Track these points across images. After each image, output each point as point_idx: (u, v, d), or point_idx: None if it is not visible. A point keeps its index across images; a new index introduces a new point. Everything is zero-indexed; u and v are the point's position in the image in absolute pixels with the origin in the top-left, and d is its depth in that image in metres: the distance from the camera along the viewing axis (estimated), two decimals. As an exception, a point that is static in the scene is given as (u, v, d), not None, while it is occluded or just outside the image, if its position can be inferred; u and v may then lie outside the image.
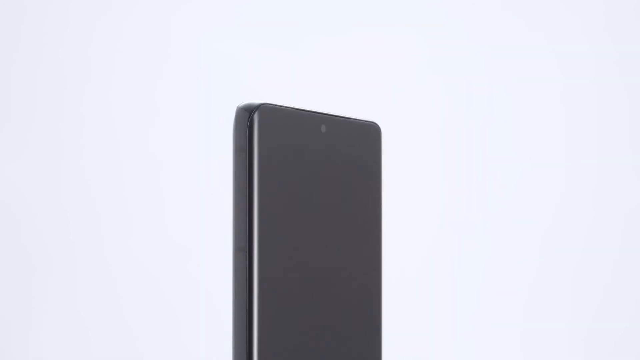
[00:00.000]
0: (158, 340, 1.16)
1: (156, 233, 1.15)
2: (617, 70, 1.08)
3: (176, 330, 1.15)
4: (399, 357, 1.00)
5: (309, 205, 0.52)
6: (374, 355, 0.53)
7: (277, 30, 1.14)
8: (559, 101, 1.09)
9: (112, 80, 1.17)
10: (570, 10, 1.09)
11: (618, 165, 1.08)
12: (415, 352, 1.09)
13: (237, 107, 0.51)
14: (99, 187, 1.16)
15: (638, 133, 1.08)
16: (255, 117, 0.50)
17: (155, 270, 1.16)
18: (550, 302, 1.09)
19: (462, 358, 1.10)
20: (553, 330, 1.08)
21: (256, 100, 0.52)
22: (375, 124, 0.55)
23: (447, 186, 1.10)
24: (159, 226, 1.15)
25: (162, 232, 1.15)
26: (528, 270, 1.09)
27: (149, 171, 1.16)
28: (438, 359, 1.12)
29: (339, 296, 0.52)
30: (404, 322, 1.08)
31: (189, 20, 1.16)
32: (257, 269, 0.49)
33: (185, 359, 1.14)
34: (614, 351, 1.08)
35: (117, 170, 1.16)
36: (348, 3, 1.13)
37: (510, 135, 1.10)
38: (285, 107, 0.52)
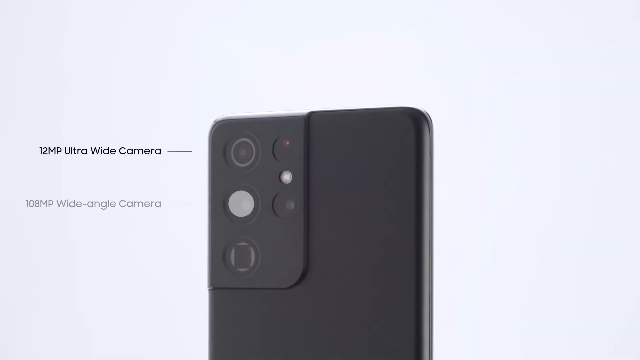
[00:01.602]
0: (158, 340, 1.16)
1: (156, 233, 1.15)
2: (617, 70, 1.08)
3: (176, 330, 1.15)
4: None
5: None
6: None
7: (277, 30, 1.14)
8: (559, 101, 1.09)
9: (112, 80, 1.17)
10: (570, 10, 1.09)
11: (618, 165, 1.08)
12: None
13: (401, 113, 0.49)
14: (99, 187, 1.16)
15: (638, 133, 1.08)
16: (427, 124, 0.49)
17: (155, 270, 1.16)
18: (550, 302, 1.09)
19: (462, 358, 1.10)
20: (553, 330, 1.08)
21: (420, 106, 0.50)
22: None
23: (447, 186, 1.10)
24: (159, 226, 1.15)
25: (162, 232, 1.15)
26: (528, 271, 1.09)
27: (149, 171, 1.15)
28: (438, 359, 1.12)
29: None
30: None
31: (189, 20, 1.16)
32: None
33: (185, 359, 1.14)
34: (614, 351, 1.08)
35: (117, 170, 1.16)
36: (348, 3, 1.13)
37: (510, 135, 1.10)
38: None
